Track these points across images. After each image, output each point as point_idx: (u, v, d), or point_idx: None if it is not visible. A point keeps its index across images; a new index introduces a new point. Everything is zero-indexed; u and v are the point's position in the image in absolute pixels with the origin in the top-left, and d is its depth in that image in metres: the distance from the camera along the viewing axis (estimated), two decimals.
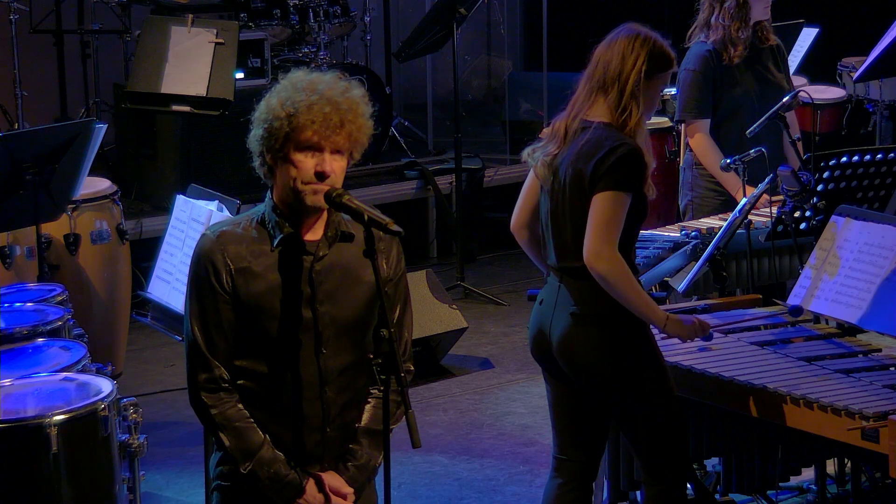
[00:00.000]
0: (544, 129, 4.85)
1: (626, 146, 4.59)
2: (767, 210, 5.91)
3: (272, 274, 3.81)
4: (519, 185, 4.99)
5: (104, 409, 4.62)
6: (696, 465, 5.42)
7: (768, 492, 5.40)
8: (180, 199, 5.55)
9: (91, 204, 7.07)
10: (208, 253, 3.81)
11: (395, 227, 3.70)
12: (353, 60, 10.17)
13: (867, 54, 7.78)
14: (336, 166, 3.75)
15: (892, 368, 4.77)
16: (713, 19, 6.43)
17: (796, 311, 5.08)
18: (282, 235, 3.81)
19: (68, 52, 9.83)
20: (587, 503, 4.91)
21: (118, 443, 4.74)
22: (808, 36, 9.13)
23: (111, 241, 7.16)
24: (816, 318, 5.19)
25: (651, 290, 5.58)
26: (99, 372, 5.00)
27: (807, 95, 6.04)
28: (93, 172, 6.86)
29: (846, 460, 5.74)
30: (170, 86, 7.82)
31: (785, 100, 5.82)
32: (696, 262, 5.60)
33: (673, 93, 7.28)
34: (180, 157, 8.86)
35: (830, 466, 5.78)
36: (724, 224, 5.59)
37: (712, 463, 5.66)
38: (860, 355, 4.90)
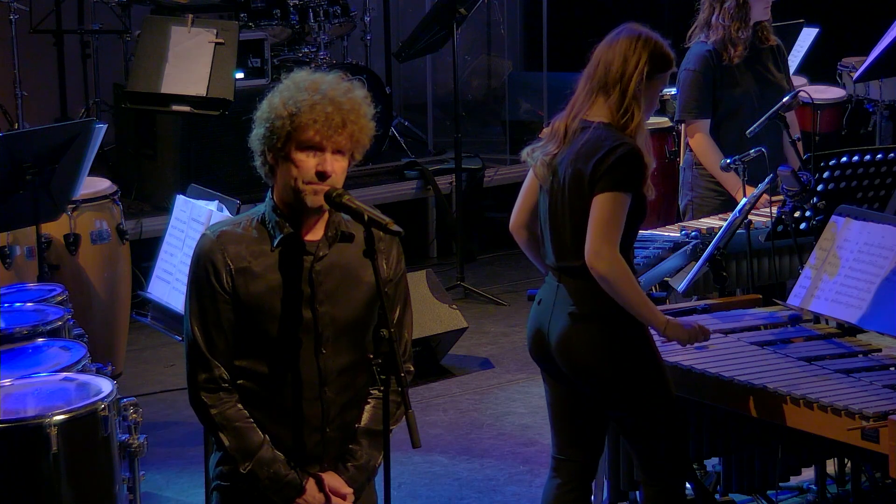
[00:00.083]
0: (544, 129, 4.84)
1: (625, 146, 4.59)
2: (767, 210, 5.90)
3: (272, 274, 3.80)
4: (519, 185, 4.98)
5: (104, 409, 4.62)
6: (696, 465, 5.42)
7: (768, 492, 5.40)
8: (180, 199, 5.55)
9: (91, 204, 7.07)
10: (208, 253, 3.81)
11: (395, 228, 3.70)
12: (353, 60, 10.16)
13: (867, 54, 7.78)
14: (337, 166, 3.75)
15: (892, 368, 4.76)
16: (713, 19, 6.43)
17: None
18: (282, 235, 3.81)
19: (68, 52, 9.82)
20: (586, 503, 4.91)
21: (118, 443, 4.74)
22: (808, 36, 9.13)
23: (111, 241, 7.15)
24: (816, 318, 5.18)
25: (651, 290, 5.57)
26: (99, 372, 5.00)
27: (807, 95, 6.04)
28: (93, 172, 6.86)
29: (846, 460, 5.73)
30: (170, 86, 7.81)
31: (785, 100, 5.81)
32: (696, 262, 5.59)
33: (673, 93, 7.27)
34: (180, 157, 8.85)
35: (830, 466, 5.77)
36: (724, 224, 5.59)
37: (712, 463, 5.66)
38: (860, 355, 4.90)
